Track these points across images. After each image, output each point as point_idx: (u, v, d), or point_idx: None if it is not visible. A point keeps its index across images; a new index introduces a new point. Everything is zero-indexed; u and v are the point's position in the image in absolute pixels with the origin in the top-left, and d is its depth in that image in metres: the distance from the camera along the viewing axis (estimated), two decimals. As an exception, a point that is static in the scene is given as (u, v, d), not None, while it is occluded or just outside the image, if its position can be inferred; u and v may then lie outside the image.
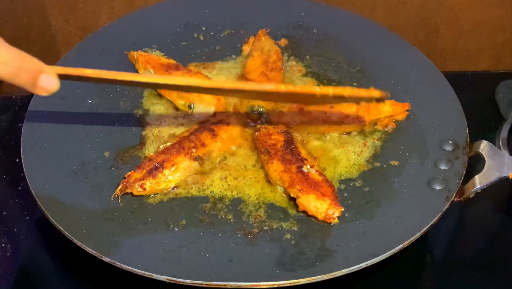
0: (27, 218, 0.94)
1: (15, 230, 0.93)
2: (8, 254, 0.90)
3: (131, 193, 0.82)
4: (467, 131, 0.90)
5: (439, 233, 0.90)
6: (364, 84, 0.98)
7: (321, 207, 0.79)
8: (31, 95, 1.11)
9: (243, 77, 0.97)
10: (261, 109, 0.93)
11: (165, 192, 0.83)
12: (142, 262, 0.74)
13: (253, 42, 1.03)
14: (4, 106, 1.12)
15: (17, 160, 1.00)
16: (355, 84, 1.00)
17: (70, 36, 1.17)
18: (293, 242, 0.78)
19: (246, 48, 1.04)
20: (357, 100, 0.85)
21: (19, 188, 0.97)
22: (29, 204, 0.95)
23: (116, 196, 0.81)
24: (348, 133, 0.92)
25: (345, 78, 1.01)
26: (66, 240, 0.78)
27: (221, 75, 1.00)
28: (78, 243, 0.75)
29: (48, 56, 1.20)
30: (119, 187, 0.81)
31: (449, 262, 0.89)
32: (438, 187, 0.83)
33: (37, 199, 0.80)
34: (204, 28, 1.06)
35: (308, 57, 1.04)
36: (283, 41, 1.06)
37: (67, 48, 1.17)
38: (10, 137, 1.06)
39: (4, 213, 0.95)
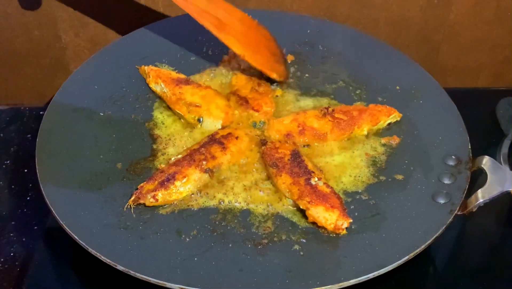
0: (35, 227, 0.95)
1: (24, 239, 0.93)
2: (17, 263, 0.90)
3: (144, 204, 0.83)
4: (470, 147, 0.92)
5: (442, 245, 0.92)
6: (367, 100, 1.01)
7: (330, 218, 0.81)
8: (40, 107, 1.13)
9: (234, 94, 0.99)
10: (262, 123, 0.95)
11: (177, 202, 0.85)
12: (155, 271, 0.75)
13: (230, 61, 1.05)
14: (12, 117, 1.13)
15: (26, 170, 1.02)
16: (357, 99, 1.02)
17: (80, 50, 1.18)
18: (301, 253, 0.79)
19: (222, 67, 1.05)
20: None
21: (28, 198, 0.98)
22: (37, 214, 0.96)
23: (129, 206, 0.83)
24: (354, 147, 0.94)
25: (349, 94, 1.02)
26: (75, 249, 0.80)
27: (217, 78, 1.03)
28: (93, 252, 0.77)
29: (58, 69, 1.21)
30: (132, 198, 0.83)
31: (451, 274, 0.90)
32: (442, 201, 0.85)
33: (52, 209, 0.81)
34: (212, 44, 1.07)
35: (313, 72, 1.06)
36: (290, 57, 1.07)
37: (77, 62, 1.18)
38: (18, 148, 1.07)
39: (13, 223, 0.96)
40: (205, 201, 0.85)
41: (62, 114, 0.94)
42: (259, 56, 1.01)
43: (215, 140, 0.90)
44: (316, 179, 0.85)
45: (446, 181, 0.87)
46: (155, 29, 1.09)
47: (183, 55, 1.06)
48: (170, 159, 0.89)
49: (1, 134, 1.10)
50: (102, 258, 0.77)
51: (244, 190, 0.87)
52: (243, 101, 0.97)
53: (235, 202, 0.85)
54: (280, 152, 0.89)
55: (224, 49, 1.07)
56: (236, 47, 0.98)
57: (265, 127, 0.95)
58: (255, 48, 1.01)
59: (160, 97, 0.99)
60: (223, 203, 0.85)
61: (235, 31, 0.99)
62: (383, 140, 0.95)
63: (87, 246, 0.78)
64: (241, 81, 1.01)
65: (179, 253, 0.79)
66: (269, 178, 0.88)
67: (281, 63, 1.05)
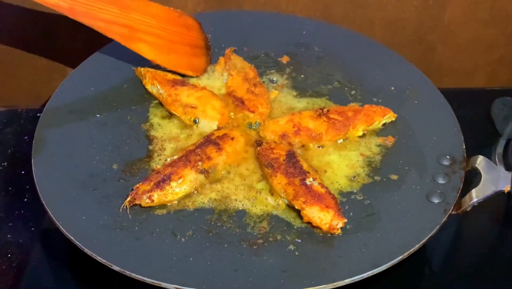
0: (33, 229, 0.95)
1: (20, 240, 0.94)
2: (14, 264, 0.90)
3: (139, 205, 0.84)
4: (464, 147, 0.92)
5: (437, 245, 0.92)
6: (362, 101, 1.01)
7: (325, 218, 0.81)
8: (36, 109, 1.13)
9: (230, 95, 0.99)
10: (258, 124, 0.96)
11: (172, 203, 0.85)
12: (151, 271, 0.76)
13: (225, 62, 1.05)
14: (9, 119, 1.13)
15: (23, 172, 1.02)
16: (353, 100, 1.02)
17: (76, 52, 1.19)
18: (297, 253, 0.80)
19: (218, 68, 1.05)
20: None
21: (25, 200, 0.98)
22: (34, 215, 0.96)
23: (124, 207, 0.83)
24: (349, 147, 0.94)
25: (344, 95, 1.03)
26: (71, 250, 0.80)
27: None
28: (89, 253, 0.77)
29: (54, 71, 1.22)
30: (128, 199, 0.83)
31: (446, 274, 0.91)
32: (436, 200, 0.85)
33: (47, 210, 0.81)
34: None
35: (308, 73, 1.06)
36: (285, 58, 1.08)
37: (73, 63, 1.18)
38: (15, 150, 1.07)
39: (10, 224, 0.96)
40: (201, 202, 0.86)
41: (58, 116, 0.94)
42: (174, 55, 1.01)
43: (211, 141, 0.90)
44: (311, 179, 0.85)
45: (441, 181, 0.88)
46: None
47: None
48: (166, 159, 0.90)
49: (-2, 136, 1.10)
50: (98, 258, 0.77)
51: (240, 191, 0.87)
52: (239, 102, 0.98)
53: (231, 203, 0.86)
54: (275, 152, 0.90)
55: (220, 50, 1.07)
56: (146, 54, 0.99)
57: (260, 128, 0.96)
58: (170, 48, 1.01)
59: (156, 99, 1.00)
60: (219, 203, 0.86)
61: (146, 35, 0.98)
62: (378, 141, 0.95)
63: (83, 247, 0.78)
64: (237, 82, 1.01)
65: (174, 253, 0.79)
66: (264, 178, 0.89)
67: (201, 55, 1.05)
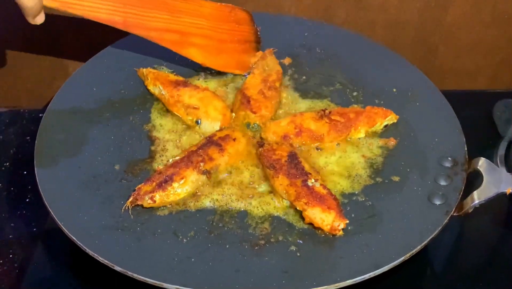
0: (34, 229, 0.95)
1: (22, 241, 0.94)
2: (15, 265, 0.90)
3: (141, 205, 0.84)
4: (466, 149, 0.92)
5: (439, 247, 0.92)
6: (364, 102, 1.01)
7: (326, 219, 0.81)
8: (38, 109, 1.14)
9: (240, 93, 1.00)
10: (256, 126, 0.96)
11: (174, 204, 0.85)
12: (153, 272, 0.76)
13: (257, 60, 1.06)
14: (11, 120, 1.13)
15: (25, 172, 1.02)
16: (354, 102, 1.02)
17: (79, 52, 1.19)
18: (298, 254, 0.80)
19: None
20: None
21: (26, 200, 0.98)
22: (36, 215, 0.96)
23: (126, 207, 0.83)
24: (351, 149, 0.94)
25: (346, 96, 1.03)
26: (73, 250, 0.80)
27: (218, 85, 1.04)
28: (91, 253, 0.77)
29: (57, 72, 1.22)
30: (130, 199, 0.83)
31: (448, 275, 0.91)
32: (438, 202, 0.85)
33: (50, 210, 0.82)
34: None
35: (310, 75, 1.06)
36: (287, 60, 1.08)
37: (75, 64, 1.19)
38: (17, 150, 1.07)
39: (12, 225, 0.96)
40: (203, 202, 0.86)
41: (60, 117, 0.95)
42: (223, 55, 1.02)
43: (213, 142, 0.91)
44: (313, 180, 0.85)
45: (442, 182, 0.88)
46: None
47: (181, 57, 1.05)
48: (168, 160, 0.90)
49: (0, 137, 1.10)
50: (100, 259, 0.77)
51: (241, 191, 0.87)
52: (245, 100, 0.98)
53: (232, 203, 0.86)
54: (277, 154, 0.90)
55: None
56: (196, 58, 1.00)
57: (259, 130, 0.96)
58: (219, 48, 1.02)
59: (158, 100, 1.00)
60: (220, 204, 0.86)
61: (196, 38, 0.99)
62: (380, 142, 0.95)
63: (85, 247, 0.78)
64: (254, 82, 1.01)
65: (176, 254, 0.79)
66: (266, 179, 0.89)
67: (250, 50, 1.06)
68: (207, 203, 0.86)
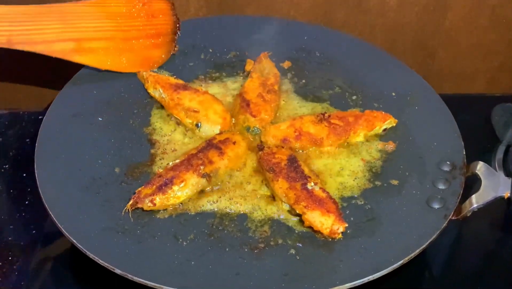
0: (34, 231, 0.95)
1: (22, 243, 0.94)
2: (15, 267, 0.90)
3: (141, 208, 0.84)
4: (464, 152, 0.92)
5: (438, 250, 0.92)
6: (363, 106, 1.01)
7: (326, 222, 0.81)
8: (38, 111, 1.13)
9: (240, 96, 1.00)
10: (256, 129, 0.96)
11: (174, 207, 0.85)
12: (153, 274, 0.76)
13: (254, 64, 1.06)
14: (11, 122, 1.13)
15: (24, 175, 1.02)
16: (353, 105, 1.03)
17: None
18: (298, 257, 0.80)
19: (247, 69, 1.06)
20: None
21: (26, 202, 0.98)
22: (36, 218, 0.96)
23: (127, 210, 0.83)
24: (350, 152, 0.94)
25: (345, 100, 1.03)
26: (73, 253, 0.80)
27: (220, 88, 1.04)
28: (91, 256, 0.77)
29: (57, 74, 1.22)
30: (130, 202, 0.83)
31: (447, 278, 0.91)
32: (436, 206, 0.86)
33: (50, 212, 0.82)
34: (211, 50, 1.09)
35: (309, 78, 1.07)
36: (286, 64, 1.08)
37: (76, 66, 1.18)
38: (17, 152, 1.07)
39: (11, 227, 0.96)
40: (202, 206, 0.86)
41: (60, 119, 0.95)
42: (127, 54, 1.01)
43: (213, 145, 0.91)
44: (313, 184, 0.86)
45: (441, 186, 0.88)
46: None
47: (182, 60, 1.07)
48: (168, 163, 0.90)
49: (0, 139, 1.10)
50: (100, 262, 0.77)
51: (241, 195, 0.88)
52: (245, 104, 0.98)
53: (232, 207, 0.86)
54: (277, 157, 0.90)
55: (222, 55, 1.08)
56: (93, 63, 0.99)
57: (259, 133, 0.96)
58: (123, 48, 1.00)
59: (158, 103, 1.00)
60: (220, 207, 0.86)
61: (95, 42, 0.98)
62: (379, 146, 0.95)
63: (85, 250, 0.78)
64: (253, 85, 1.01)
65: (176, 257, 0.79)
66: (266, 182, 0.89)
67: (164, 44, 1.04)
68: (207, 206, 0.86)
